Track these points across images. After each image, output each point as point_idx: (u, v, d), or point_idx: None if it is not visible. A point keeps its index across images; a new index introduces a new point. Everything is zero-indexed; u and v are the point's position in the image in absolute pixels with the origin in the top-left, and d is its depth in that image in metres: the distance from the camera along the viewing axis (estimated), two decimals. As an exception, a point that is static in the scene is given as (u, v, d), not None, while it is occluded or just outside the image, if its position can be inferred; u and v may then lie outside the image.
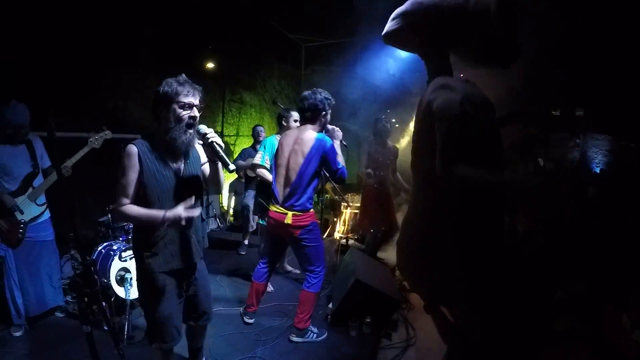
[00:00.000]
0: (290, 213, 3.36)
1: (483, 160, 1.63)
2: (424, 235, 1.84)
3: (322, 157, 3.28)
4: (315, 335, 3.62)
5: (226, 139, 8.46)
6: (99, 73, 4.96)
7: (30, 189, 3.47)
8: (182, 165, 2.38)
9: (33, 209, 3.50)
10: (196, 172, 2.46)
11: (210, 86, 7.68)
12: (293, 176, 3.35)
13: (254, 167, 4.41)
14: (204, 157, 2.52)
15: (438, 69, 1.83)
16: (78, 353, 3.14)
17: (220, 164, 2.43)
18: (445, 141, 1.59)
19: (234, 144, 8.73)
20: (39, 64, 4.20)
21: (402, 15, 1.83)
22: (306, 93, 3.43)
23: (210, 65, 7.71)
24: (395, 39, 1.91)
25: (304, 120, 3.47)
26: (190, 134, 2.29)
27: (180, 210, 2.19)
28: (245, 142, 8.62)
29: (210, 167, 2.50)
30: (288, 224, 3.35)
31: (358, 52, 9.48)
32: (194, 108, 2.28)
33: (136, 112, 5.45)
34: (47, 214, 3.65)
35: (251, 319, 3.86)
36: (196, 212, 2.28)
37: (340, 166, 3.34)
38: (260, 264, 3.81)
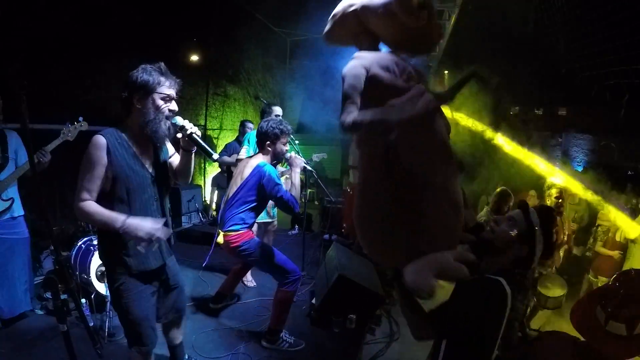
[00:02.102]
0: (221, 233, 3.41)
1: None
2: (363, 208, 1.86)
3: (259, 185, 3.31)
4: (287, 344, 3.48)
5: (209, 132, 8.38)
6: (79, 63, 4.85)
7: None
8: (152, 159, 2.31)
9: None
10: (165, 166, 2.40)
11: (193, 79, 7.58)
12: (230, 197, 3.44)
13: (238, 162, 4.36)
14: (171, 150, 2.46)
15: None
16: (58, 351, 3.08)
17: (193, 154, 2.37)
18: (343, 97, 1.67)
19: (217, 138, 8.65)
20: (18, 52, 4.09)
21: (332, 17, 1.97)
22: (261, 122, 3.53)
23: (194, 57, 7.62)
24: (331, 38, 2.04)
25: (257, 147, 3.56)
26: (169, 126, 2.20)
27: (147, 225, 2.10)
28: (229, 136, 8.54)
29: (182, 158, 2.38)
30: (221, 243, 3.42)
31: (344, 48, 9.45)
32: (173, 101, 2.22)
33: (119, 104, 5.35)
34: (18, 211, 3.48)
35: (217, 304, 3.99)
36: (161, 232, 2.15)
37: (280, 195, 3.26)
38: None
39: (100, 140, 2.09)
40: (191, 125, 2.26)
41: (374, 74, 1.68)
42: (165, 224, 2.37)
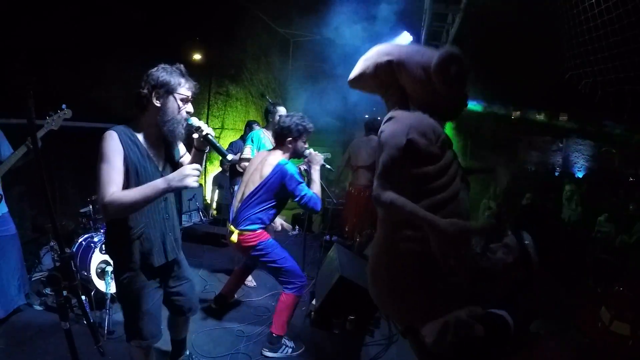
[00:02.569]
0: (236, 231, 3.31)
1: (423, 187, 1.70)
2: (383, 263, 1.88)
3: (281, 184, 3.21)
4: (290, 350, 3.41)
5: (211, 132, 8.38)
6: (81, 61, 4.84)
7: None
8: (163, 158, 2.32)
9: None
10: (175, 166, 2.40)
11: (195, 78, 7.52)
12: (247, 195, 3.33)
13: (243, 160, 4.37)
14: (182, 150, 2.48)
15: (394, 107, 1.91)
16: (58, 347, 3.08)
17: (205, 155, 2.40)
18: (382, 167, 1.67)
19: (219, 137, 8.65)
20: (19, 50, 4.09)
21: (364, 61, 1.94)
22: (284, 116, 3.45)
23: (196, 56, 7.62)
24: (357, 83, 2.00)
25: (275, 143, 3.48)
26: (184, 127, 2.22)
27: (186, 167, 2.03)
28: (230, 135, 8.55)
29: (194, 158, 2.39)
30: (233, 242, 3.32)
31: (348, 49, 9.47)
32: (190, 103, 2.24)
33: (120, 102, 5.35)
34: (3, 208, 3.42)
35: (218, 304, 3.94)
36: (198, 171, 2.07)
37: (303, 194, 3.18)
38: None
39: (113, 133, 2.08)
40: (206, 126, 2.26)
41: (412, 139, 1.67)
42: (173, 224, 2.41)
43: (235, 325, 3.70)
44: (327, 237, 6.24)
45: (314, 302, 4.12)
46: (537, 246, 1.76)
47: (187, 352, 2.95)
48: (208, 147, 2.31)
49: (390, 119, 1.79)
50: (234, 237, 3.29)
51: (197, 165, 2.06)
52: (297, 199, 3.21)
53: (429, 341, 1.69)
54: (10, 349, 3.12)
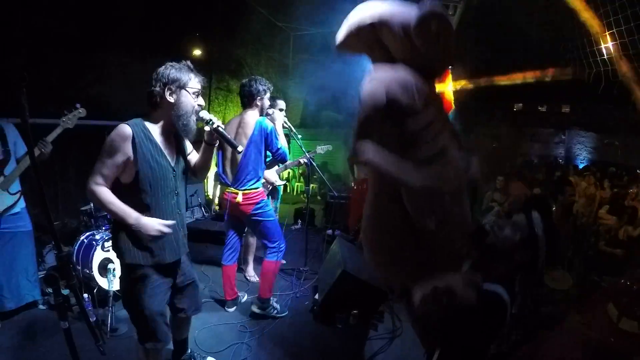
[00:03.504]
0: (240, 192, 3.58)
1: (409, 144, 1.67)
2: (373, 225, 1.87)
3: (263, 139, 3.56)
4: (275, 311, 3.78)
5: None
6: (81, 57, 4.83)
7: (2, 178, 3.31)
8: (175, 153, 2.34)
9: (6, 199, 3.34)
10: (185, 161, 2.43)
11: (195, 70, 7.53)
12: (239, 158, 3.59)
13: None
14: (189, 148, 2.49)
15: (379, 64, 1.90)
16: (62, 346, 3.06)
17: (214, 149, 2.45)
18: (359, 125, 1.67)
19: (221, 132, 8.64)
20: (19, 45, 4.06)
21: (347, 24, 1.91)
22: (243, 81, 3.74)
23: (197, 52, 7.60)
24: (344, 47, 1.99)
25: (243, 106, 3.76)
26: (196, 121, 2.28)
27: (157, 224, 2.15)
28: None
29: (205, 152, 2.45)
30: (239, 202, 3.57)
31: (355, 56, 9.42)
32: (200, 96, 2.29)
33: (120, 98, 5.33)
34: (22, 204, 3.48)
35: (231, 307, 3.92)
36: (169, 229, 2.20)
37: (279, 146, 3.62)
38: (225, 247, 3.94)
39: (127, 130, 2.12)
40: (216, 118, 2.34)
41: (393, 96, 1.65)
42: (184, 220, 2.44)
43: (237, 321, 3.70)
44: (330, 231, 6.23)
45: (316, 296, 4.10)
46: (549, 233, 1.71)
47: (189, 351, 2.95)
48: (217, 141, 2.38)
49: (370, 77, 1.77)
50: (239, 198, 3.56)
51: (163, 229, 2.17)
52: (273, 151, 3.62)
53: (416, 303, 1.66)
54: (14, 348, 3.13)
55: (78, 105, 3.38)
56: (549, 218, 1.77)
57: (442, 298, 1.63)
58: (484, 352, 1.68)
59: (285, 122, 4.24)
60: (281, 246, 3.75)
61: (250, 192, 3.59)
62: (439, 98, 1.83)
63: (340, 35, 1.93)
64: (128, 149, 2.11)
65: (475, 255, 1.80)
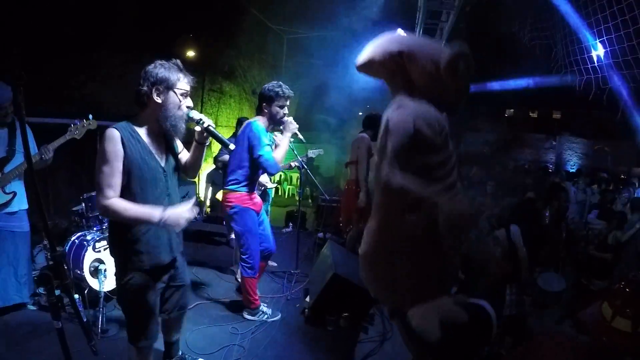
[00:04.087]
0: (222, 190, 3.68)
1: (427, 175, 1.74)
2: (379, 247, 1.91)
3: (247, 141, 3.43)
4: (266, 316, 3.77)
5: (204, 129, 8.36)
6: (75, 57, 4.81)
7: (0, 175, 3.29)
8: (165, 153, 2.32)
9: None
10: (176, 161, 2.42)
11: (185, 70, 7.51)
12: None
13: None
14: (180, 147, 2.49)
15: (399, 94, 1.95)
16: (51, 347, 3.05)
17: (205, 149, 2.46)
18: (392, 152, 1.70)
19: (214, 134, 8.63)
20: (14, 45, 4.05)
21: (373, 47, 1.97)
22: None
23: (190, 53, 7.59)
24: (365, 68, 2.04)
25: (256, 112, 3.73)
26: (186, 120, 2.26)
27: (183, 211, 2.11)
28: (224, 133, 8.51)
29: (195, 151, 2.45)
30: (219, 200, 3.62)
31: (341, 45, 9.47)
32: (188, 97, 2.27)
33: (114, 98, 5.32)
34: (19, 205, 3.45)
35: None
36: (194, 211, 2.17)
37: (261, 153, 3.35)
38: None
39: (114, 133, 2.08)
40: (206, 118, 2.33)
41: (419, 129, 1.70)
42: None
43: (228, 323, 3.69)
44: (321, 234, 6.24)
45: (307, 299, 4.11)
46: (527, 239, 1.81)
47: (180, 353, 2.94)
48: (208, 140, 2.38)
49: (397, 106, 1.82)
50: (219, 195, 3.59)
51: (193, 210, 2.15)
52: (254, 157, 3.40)
53: (414, 324, 1.73)
54: (3, 349, 3.10)
55: (90, 117, 3.40)
56: (534, 224, 1.86)
57: (437, 318, 1.70)
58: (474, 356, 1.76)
59: (297, 133, 3.92)
60: (250, 262, 3.60)
61: (227, 193, 3.57)
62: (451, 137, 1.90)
63: (364, 56, 1.98)
64: (121, 151, 2.09)
65: (462, 278, 1.89)
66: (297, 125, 3.52)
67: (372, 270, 1.94)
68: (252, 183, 3.60)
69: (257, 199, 3.76)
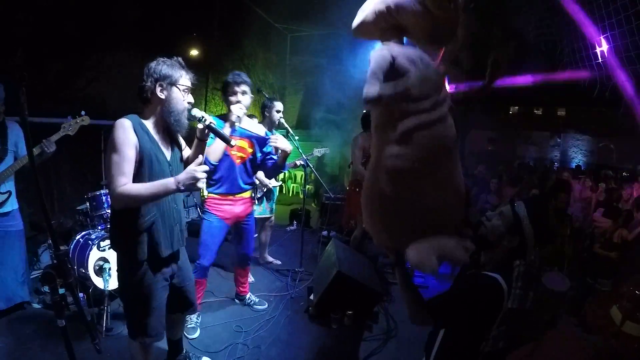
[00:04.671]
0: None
1: (408, 108, 1.78)
2: (372, 188, 1.93)
3: None
4: (253, 302, 3.98)
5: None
6: (79, 56, 4.82)
7: None
8: (170, 148, 2.35)
9: None
10: (180, 157, 2.45)
11: (193, 73, 7.54)
12: None
13: None
14: (182, 144, 2.51)
15: None
16: (56, 345, 3.07)
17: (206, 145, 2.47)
18: (370, 72, 1.77)
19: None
20: (18, 45, 4.05)
21: (362, 11, 2.05)
22: None
23: (194, 52, 7.60)
24: (359, 32, 2.11)
25: None
26: (188, 117, 2.29)
27: (195, 169, 2.09)
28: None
29: (197, 148, 2.48)
30: None
31: (344, 44, 9.44)
32: (189, 93, 2.30)
33: (117, 98, 5.33)
34: (14, 205, 3.44)
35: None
36: (205, 170, 2.14)
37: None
38: None
39: (125, 122, 2.11)
40: (207, 115, 2.36)
41: (400, 64, 1.77)
42: (181, 215, 2.45)
43: (232, 321, 3.70)
44: (325, 232, 6.24)
45: (312, 297, 4.11)
46: (534, 217, 1.82)
47: (184, 351, 2.94)
48: (209, 136, 2.42)
49: (381, 47, 1.90)
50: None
51: (204, 167, 2.12)
52: None
53: (410, 259, 1.74)
54: (9, 347, 3.12)
55: (83, 113, 3.40)
56: (537, 206, 1.87)
57: (432, 253, 1.71)
58: (484, 333, 1.77)
59: (282, 123, 4.21)
60: (200, 263, 3.45)
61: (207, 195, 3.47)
62: (441, 77, 1.95)
63: (357, 21, 2.05)
64: (134, 137, 2.10)
65: (468, 233, 1.89)
66: (240, 112, 3.18)
67: (369, 208, 1.96)
68: (216, 183, 3.38)
69: (230, 205, 3.46)
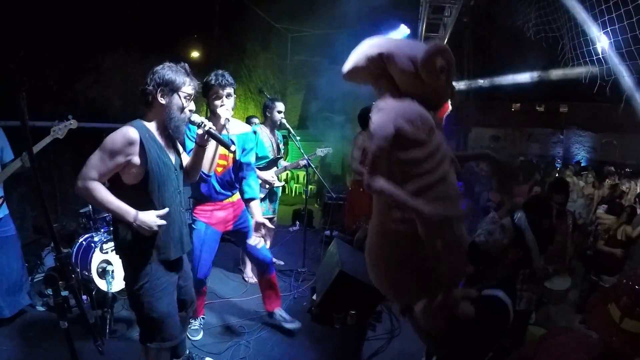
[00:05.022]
0: None
1: (415, 169, 1.76)
2: (376, 245, 1.93)
3: None
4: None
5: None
6: (80, 59, 4.82)
7: None
8: (173, 152, 2.36)
9: None
10: (181, 162, 2.45)
11: (194, 74, 7.54)
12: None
13: None
14: (180, 149, 2.51)
15: (385, 96, 1.98)
16: (60, 347, 3.08)
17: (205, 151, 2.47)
18: (372, 157, 1.72)
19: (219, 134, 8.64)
20: (18, 48, 4.06)
21: (354, 55, 1.99)
22: None
23: (194, 53, 7.60)
24: (351, 76, 2.06)
25: None
26: (187, 124, 2.31)
27: (153, 217, 2.13)
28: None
29: (196, 153, 2.48)
30: None
31: (345, 43, 9.44)
32: (192, 101, 2.30)
33: (118, 101, 5.35)
34: (5, 210, 3.43)
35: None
36: (164, 220, 2.18)
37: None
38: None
39: (134, 134, 2.10)
40: (207, 121, 2.36)
41: (400, 128, 1.72)
42: (186, 217, 2.46)
43: (235, 322, 3.70)
44: (328, 232, 6.24)
45: (314, 297, 4.11)
46: (535, 227, 1.83)
47: (187, 352, 2.95)
48: (209, 143, 2.42)
49: (379, 108, 1.84)
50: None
51: (163, 222, 2.16)
52: None
53: (421, 322, 1.78)
54: (13, 350, 3.13)
55: (70, 117, 3.41)
56: (538, 214, 1.88)
57: (441, 311, 1.73)
58: (487, 352, 1.78)
59: (284, 123, 4.22)
60: (196, 277, 3.17)
61: None
62: (439, 127, 1.91)
63: (348, 65, 2.00)
64: (132, 152, 2.10)
65: (470, 271, 1.91)
66: (228, 117, 3.02)
67: (374, 268, 1.97)
68: (197, 192, 3.19)
69: (215, 210, 3.25)
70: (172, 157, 2.32)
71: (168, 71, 2.19)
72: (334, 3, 7.50)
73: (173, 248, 2.31)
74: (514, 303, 1.77)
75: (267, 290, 3.61)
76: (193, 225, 3.20)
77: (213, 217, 3.23)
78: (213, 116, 3.04)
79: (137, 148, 2.11)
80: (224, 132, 2.98)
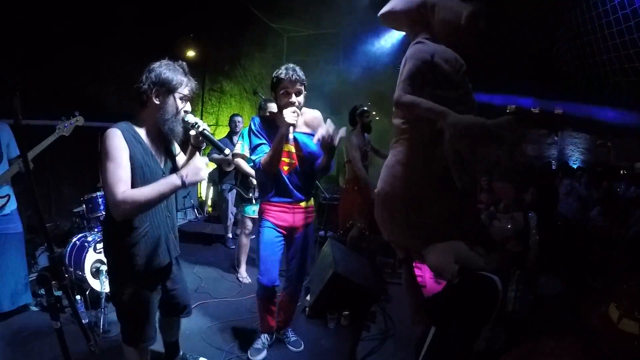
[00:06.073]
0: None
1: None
2: (396, 184, 1.97)
3: None
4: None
5: (205, 128, 8.37)
6: (77, 58, 4.79)
7: None
8: (164, 155, 2.29)
9: None
10: (175, 163, 2.39)
11: (190, 74, 7.51)
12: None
13: (235, 156, 4.37)
14: (177, 150, 2.46)
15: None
16: (53, 348, 3.07)
17: (201, 152, 2.38)
18: (407, 73, 1.80)
19: (213, 134, 8.59)
20: (15, 46, 4.03)
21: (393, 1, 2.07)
22: None
23: (190, 53, 7.58)
24: (388, 19, 2.13)
25: None
26: (183, 126, 2.19)
27: (198, 163, 2.03)
28: (225, 132, 8.52)
29: (190, 155, 2.39)
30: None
31: (341, 44, 9.45)
32: (187, 102, 2.22)
33: (115, 100, 5.33)
34: (13, 205, 3.45)
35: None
36: (207, 160, 2.09)
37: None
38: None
39: (115, 131, 2.01)
40: (202, 122, 2.24)
41: (436, 63, 1.81)
42: (174, 222, 2.41)
43: (230, 323, 3.70)
44: (322, 232, 6.23)
45: (308, 297, 4.11)
46: (543, 229, 1.86)
47: (181, 353, 2.94)
48: (204, 143, 2.29)
49: (418, 42, 1.93)
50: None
51: (205, 159, 2.08)
52: None
53: (429, 261, 1.81)
54: (5, 350, 3.11)
55: (77, 113, 3.39)
56: (548, 220, 1.91)
57: (452, 257, 1.77)
58: (476, 333, 1.76)
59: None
60: (259, 280, 3.14)
61: None
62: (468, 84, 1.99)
63: (387, 7, 2.07)
64: (126, 145, 2.02)
65: (475, 236, 1.94)
66: (294, 118, 2.66)
67: (387, 209, 1.96)
68: (263, 188, 3.08)
69: (285, 213, 3.04)
70: (161, 161, 2.25)
71: (165, 70, 2.10)
72: (330, 3, 7.50)
73: (160, 255, 2.27)
74: (505, 296, 1.79)
75: (282, 309, 3.42)
76: (260, 225, 3.08)
77: (282, 220, 3.04)
78: (280, 114, 2.75)
79: (125, 142, 2.04)
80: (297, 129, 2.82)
